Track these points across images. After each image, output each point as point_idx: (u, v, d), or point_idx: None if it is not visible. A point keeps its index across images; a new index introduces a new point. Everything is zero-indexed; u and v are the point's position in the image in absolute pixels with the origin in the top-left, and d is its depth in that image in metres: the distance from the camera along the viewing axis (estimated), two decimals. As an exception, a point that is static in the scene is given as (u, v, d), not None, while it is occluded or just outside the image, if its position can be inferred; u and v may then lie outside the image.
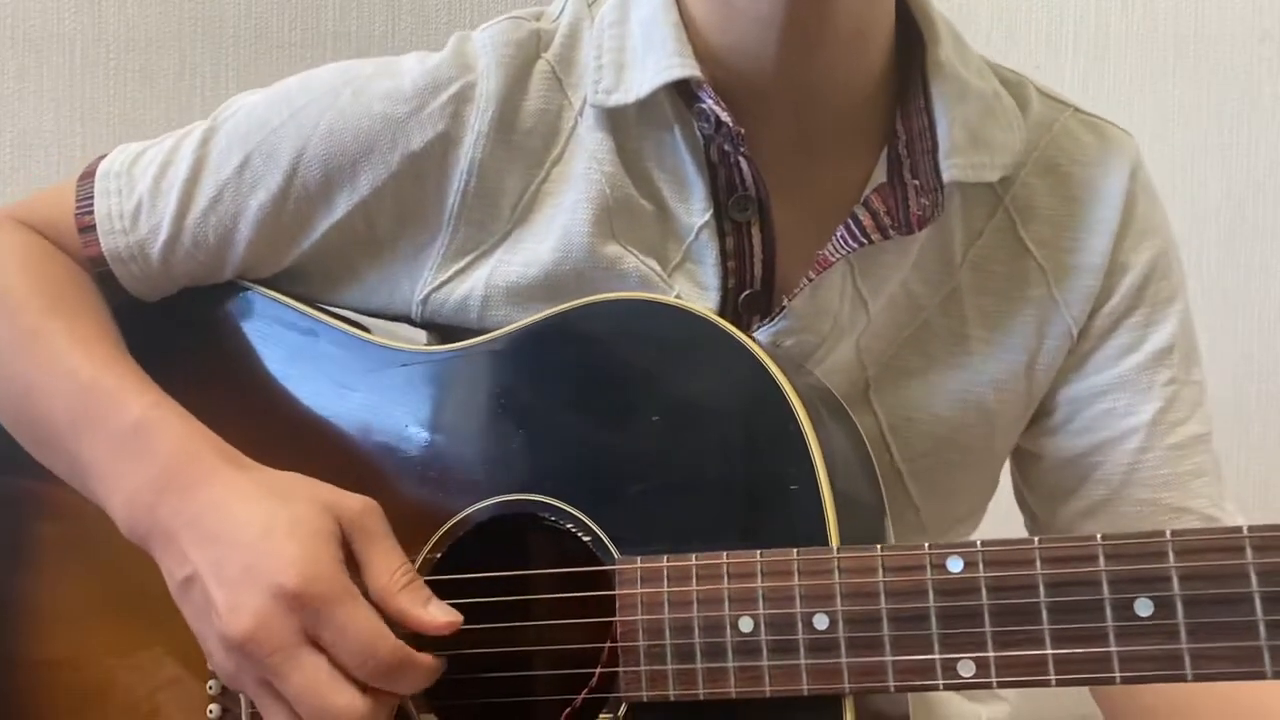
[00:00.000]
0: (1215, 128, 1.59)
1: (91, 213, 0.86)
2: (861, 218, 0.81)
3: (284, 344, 0.85)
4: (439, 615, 0.71)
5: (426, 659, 0.71)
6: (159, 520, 0.73)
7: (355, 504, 0.73)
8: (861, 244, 0.81)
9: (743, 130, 0.79)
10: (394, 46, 1.42)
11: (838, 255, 0.81)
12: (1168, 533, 0.62)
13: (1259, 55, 1.59)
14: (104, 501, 0.77)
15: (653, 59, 0.81)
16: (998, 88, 0.87)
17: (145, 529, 0.74)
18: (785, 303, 0.81)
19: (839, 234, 0.81)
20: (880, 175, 0.84)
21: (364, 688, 0.69)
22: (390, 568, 0.71)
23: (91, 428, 0.77)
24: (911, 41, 0.85)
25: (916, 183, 0.82)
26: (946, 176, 0.82)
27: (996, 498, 0.96)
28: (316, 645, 0.68)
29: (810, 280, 0.81)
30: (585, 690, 0.72)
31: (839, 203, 0.84)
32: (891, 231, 0.81)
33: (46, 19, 1.40)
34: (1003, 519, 0.96)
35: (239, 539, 0.70)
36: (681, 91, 0.82)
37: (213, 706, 0.81)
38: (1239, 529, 0.60)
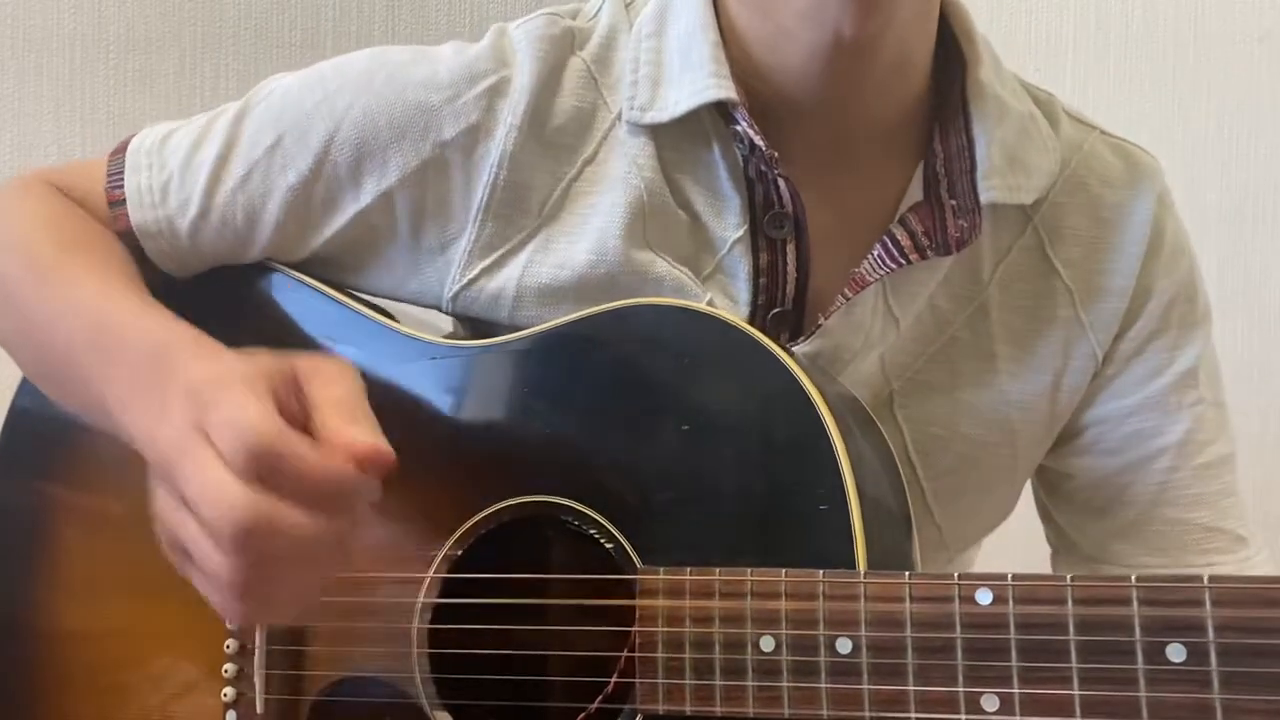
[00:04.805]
0: (1215, 128, 1.59)
1: (122, 187, 0.86)
2: (899, 237, 0.80)
3: (312, 329, 0.84)
4: (366, 435, 0.61)
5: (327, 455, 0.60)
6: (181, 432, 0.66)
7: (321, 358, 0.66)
8: (900, 264, 0.80)
9: (776, 154, 0.78)
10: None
11: (875, 276, 0.80)
12: (1205, 579, 0.61)
13: (1259, 55, 1.59)
14: (128, 429, 0.71)
15: (689, 78, 0.80)
16: (1032, 109, 0.86)
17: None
18: (821, 320, 0.80)
19: (876, 253, 0.80)
20: (916, 193, 0.83)
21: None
22: (333, 397, 0.63)
23: (110, 355, 0.72)
24: (950, 59, 0.84)
25: (954, 203, 0.81)
26: (984, 198, 0.81)
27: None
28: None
29: (846, 299, 0.80)
30: (599, 698, 0.72)
31: (872, 218, 0.83)
32: (930, 252, 0.80)
33: (46, 19, 1.38)
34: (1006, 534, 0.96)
35: None
36: (720, 109, 0.80)
37: (227, 690, 0.80)
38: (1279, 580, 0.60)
